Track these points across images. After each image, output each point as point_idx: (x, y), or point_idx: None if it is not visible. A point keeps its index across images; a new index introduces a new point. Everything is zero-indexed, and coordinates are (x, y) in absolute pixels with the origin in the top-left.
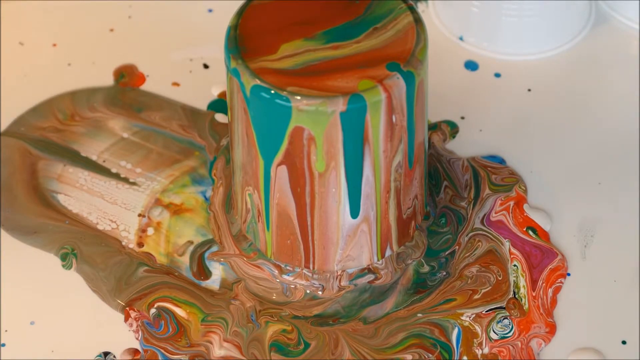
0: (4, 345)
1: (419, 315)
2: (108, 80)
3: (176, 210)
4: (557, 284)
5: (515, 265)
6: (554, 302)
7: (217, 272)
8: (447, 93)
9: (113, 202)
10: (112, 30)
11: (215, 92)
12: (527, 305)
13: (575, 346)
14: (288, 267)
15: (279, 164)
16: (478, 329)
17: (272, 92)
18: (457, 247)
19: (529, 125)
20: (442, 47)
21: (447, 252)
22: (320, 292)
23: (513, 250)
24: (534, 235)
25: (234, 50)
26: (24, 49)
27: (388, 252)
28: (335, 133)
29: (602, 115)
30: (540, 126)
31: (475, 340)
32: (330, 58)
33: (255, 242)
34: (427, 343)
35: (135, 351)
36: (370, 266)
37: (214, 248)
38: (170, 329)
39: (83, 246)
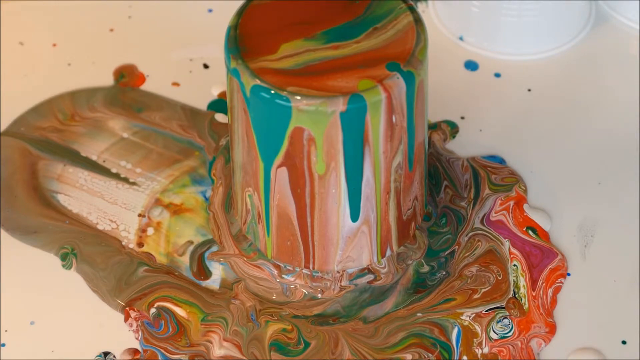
0: (4, 345)
1: (419, 314)
2: (108, 80)
3: (176, 210)
4: (557, 284)
5: (515, 265)
6: (554, 302)
7: (217, 272)
8: (447, 93)
9: (113, 202)
10: (112, 30)
11: (215, 92)
12: (527, 305)
13: (575, 346)
14: (288, 268)
15: (279, 166)
16: (478, 329)
17: (272, 92)
18: (456, 246)
19: (529, 125)
20: (442, 47)
21: (446, 252)
22: (320, 295)
23: (513, 250)
24: (533, 235)
25: (234, 50)
26: (24, 49)
27: (388, 253)
28: (335, 133)
29: (602, 115)
30: (540, 126)
31: (475, 339)
32: (330, 58)
33: (256, 243)
34: (427, 342)
35: (135, 351)
36: (370, 267)
37: (214, 248)
38: (170, 329)
39: (83, 246)
